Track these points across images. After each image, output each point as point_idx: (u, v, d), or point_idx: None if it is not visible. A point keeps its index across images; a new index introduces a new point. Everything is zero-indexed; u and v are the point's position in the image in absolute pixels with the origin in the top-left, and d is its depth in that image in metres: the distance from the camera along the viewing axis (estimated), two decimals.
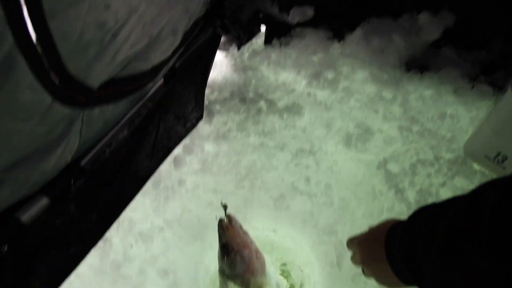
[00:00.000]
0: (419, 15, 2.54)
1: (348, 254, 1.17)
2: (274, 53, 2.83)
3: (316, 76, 2.63)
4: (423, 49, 2.58)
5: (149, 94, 1.64)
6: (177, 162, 2.27)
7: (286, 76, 2.73)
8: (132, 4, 1.10)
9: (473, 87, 2.44)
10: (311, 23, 2.79)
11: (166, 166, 2.23)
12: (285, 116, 2.48)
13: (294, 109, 2.49)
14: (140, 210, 2.13)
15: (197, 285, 1.98)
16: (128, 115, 1.54)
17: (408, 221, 0.86)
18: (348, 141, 2.32)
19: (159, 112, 1.81)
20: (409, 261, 0.81)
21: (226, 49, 2.90)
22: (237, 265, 1.63)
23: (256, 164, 2.29)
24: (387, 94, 2.51)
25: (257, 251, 1.69)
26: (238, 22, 2.14)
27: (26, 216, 1.16)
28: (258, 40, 2.92)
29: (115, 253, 2.02)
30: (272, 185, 2.21)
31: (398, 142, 2.30)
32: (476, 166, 2.16)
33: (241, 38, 2.34)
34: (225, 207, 1.72)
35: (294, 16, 2.76)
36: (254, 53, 2.87)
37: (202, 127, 2.43)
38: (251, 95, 2.62)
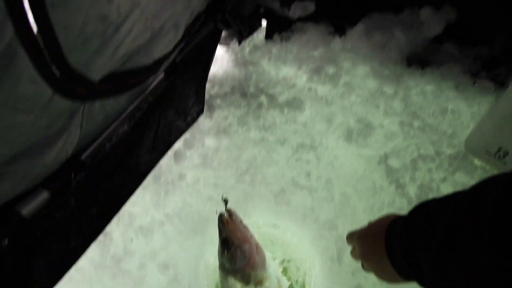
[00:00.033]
0: (421, 10, 2.53)
1: (349, 249, 1.17)
2: (275, 48, 2.83)
3: (317, 71, 2.62)
4: (424, 45, 2.57)
5: (150, 88, 1.63)
6: (177, 156, 2.27)
7: (287, 71, 2.72)
8: None
9: (474, 83, 2.43)
10: (312, 18, 2.78)
11: (166, 161, 2.23)
12: (285, 111, 2.47)
13: (295, 104, 2.48)
14: (140, 204, 2.13)
15: (197, 280, 1.98)
16: (129, 109, 1.54)
17: (408, 216, 0.86)
18: (349, 136, 2.32)
19: (159, 106, 1.81)
20: (409, 256, 0.81)
21: (227, 43, 2.90)
22: (238, 259, 1.64)
23: (257, 158, 2.28)
24: (388, 89, 2.51)
25: (257, 246, 1.69)
26: (239, 16, 2.14)
27: (27, 209, 1.16)
28: (259, 35, 2.91)
29: (115, 247, 2.02)
30: (272, 180, 2.21)
31: (399, 138, 2.30)
32: (477, 162, 2.16)
33: (242, 32, 2.33)
34: (225, 201, 1.72)
35: (295, 10, 2.75)
36: (255, 47, 2.87)
37: (203, 121, 2.43)
38: (252, 89, 2.61)
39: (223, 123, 2.44)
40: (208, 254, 2.05)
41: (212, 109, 2.50)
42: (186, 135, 2.31)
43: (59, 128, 1.12)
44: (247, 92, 2.60)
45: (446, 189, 2.08)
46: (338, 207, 2.09)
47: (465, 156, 2.18)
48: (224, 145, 2.35)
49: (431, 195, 2.06)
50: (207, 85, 2.38)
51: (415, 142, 2.27)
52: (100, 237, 1.82)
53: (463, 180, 2.10)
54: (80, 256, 1.61)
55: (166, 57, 1.50)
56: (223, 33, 2.36)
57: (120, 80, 1.27)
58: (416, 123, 2.34)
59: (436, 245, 0.72)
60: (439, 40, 2.53)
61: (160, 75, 1.67)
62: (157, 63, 1.44)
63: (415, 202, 2.00)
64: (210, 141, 2.37)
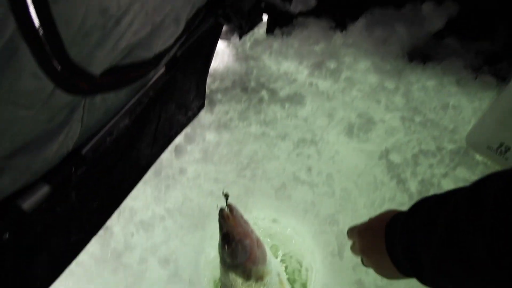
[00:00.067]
0: (423, 5, 2.52)
1: (350, 244, 1.17)
2: (276, 43, 2.82)
3: (318, 66, 2.62)
4: (426, 39, 2.57)
5: (151, 82, 1.63)
6: (178, 151, 2.27)
7: (288, 65, 2.72)
8: None
9: (476, 78, 2.43)
10: (314, 13, 2.78)
11: (167, 155, 2.23)
12: (286, 105, 2.47)
13: (296, 99, 2.48)
14: (141, 199, 2.13)
15: (198, 274, 1.98)
16: (130, 103, 1.53)
17: (408, 212, 0.86)
18: (350, 131, 2.32)
19: (160, 100, 1.81)
20: (409, 252, 0.81)
21: (227, 38, 2.89)
22: (239, 254, 1.63)
23: (258, 153, 2.28)
24: (390, 84, 2.50)
25: (258, 240, 1.69)
26: (240, 11, 2.13)
27: (27, 203, 1.16)
28: (260, 30, 2.90)
29: (116, 242, 2.02)
30: (273, 175, 2.21)
31: (400, 133, 2.30)
32: (478, 157, 2.16)
33: (243, 27, 2.32)
34: (226, 196, 1.72)
35: (297, 5, 2.74)
36: (256, 42, 2.86)
37: (204, 116, 2.43)
38: (252, 84, 2.61)
39: (224, 118, 2.44)
40: (208, 249, 2.05)
41: (213, 103, 2.49)
42: (187, 130, 2.31)
43: (60, 122, 1.11)
44: (248, 87, 2.59)
45: (447, 185, 2.08)
46: (339, 202, 2.09)
47: (466, 151, 2.18)
48: (225, 140, 2.34)
49: (432, 191, 2.06)
50: (208, 80, 2.38)
51: (416, 137, 2.27)
52: (101, 232, 1.82)
53: (464, 176, 2.10)
54: (81, 250, 1.61)
55: (167, 51, 1.49)
56: (224, 28, 2.36)
57: (121, 74, 1.27)
58: (417, 118, 2.34)
59: (436, 241, 0.71)
60: (441, 35, 2.52)
61: (161, 70, 1.67)
62: (158, 57, 1.44)
63: (416, 197, 2.01)
64: (211, 136, 2.36)
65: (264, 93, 2.54)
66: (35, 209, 1.19)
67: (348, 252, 1.86)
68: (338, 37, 2.75)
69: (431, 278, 0.78)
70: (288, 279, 1.82)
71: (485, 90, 2.39)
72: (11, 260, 1.25)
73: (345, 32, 2.74)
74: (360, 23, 2.68)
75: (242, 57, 2.79)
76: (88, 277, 1.95)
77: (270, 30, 2.87)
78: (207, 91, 2.44)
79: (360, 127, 2.32)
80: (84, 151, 1.35)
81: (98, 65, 1.09)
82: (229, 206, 1.70)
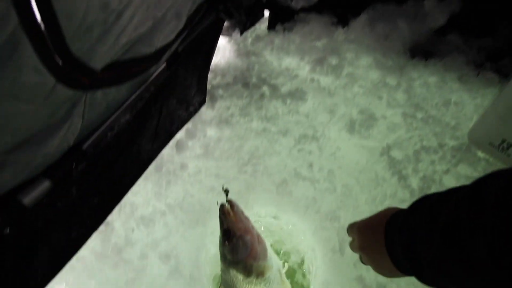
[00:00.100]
0: (425, 1, 2.52)
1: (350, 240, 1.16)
2: (278, 39, 2.82)
3: (319, 62, 2.61)
4: (428, 36, 2.56)
5: (152, 78, 1.62)
6: (179, 146, 2.27)
7: (290, 61, 2.71)
8: None
9: (478, 74, 2.43)
10: (315, 8, 2.77)
11: (168, 150, 2.23)
12: (288, 101, 2.47)
13: (297, 95, 2.47)
14: (142, 194, 2.13)
15: (198, 270, 1.98)
16: (131, 99, 1.53)
17: (409, 210, 0.85)
18: (351, 127, 2.31)
19: (161, 96, 1.80)
20: (409, 251, 0.80)
21: (229, 34, 2.89)
22: (239, 250, 1.63)
23: (259, 149, 2.28)
24: (391, 80, 2.50)
25: (258, 236, 1.68)
26: (241, 7, 2.12)
27: (28, 198, 1.16)
28: (262, 25, 2.90)
29: (116, 237, 2.02)
30: (274, 171, 2.21)
31: (402, 129, 2.30)
32: (480, 154, 2.15)
33: (244, 23, 2.32)
34: (226, 192, 1.71)
35: (298, 1, 2.74)
36: (258, 38, 2.86)
37: (205, 111, 2.42)
38: (254, 80, 2.61)
39: (225, 113, 2.44)
40: (209, 245, 2.05)
41: (214, 99, 2.49)
42: (188, 125, 2.31)
43: (61, 117, 1.11)
44: (249, 83, 2.59)
45: (448, 181, 2.07)
46: (340, 198, 2.09)
47: (468, 148, 2.17)
48: (226, 136, 2.34)
49: (433, 187, 2.05)
50: (209, 75, 2.37)
51: (418, 133, 2.27)
52: (102, 227, 1.83)
53: (466, 172, 2.10)
54: (82, 245, 1.61)
55: (168, 46, 1.49)
56: (225, 24, 2.35)
57: (122, 69, 1.26)
58: (419, 115, 2.34)
59: (436, 240, 0.71)
60: (443, 31, 2.52)
61: (162, 65, 1.67)
62: (159, 52, 1.43)
63: (417, 194, 2.01)
64: (212, 131, 2.36)
65: (265, 89, 2.54)
66: (36, 204, 1.18)
67: (349, 249, 1.86)
68: (340, 33, 2.74)
69: (430, 277, 0.77)
70: (288, 275, 1.82)
71: (487, 86, 2.39)
72: (12, 255, 1.25)
73: (346, 28, 2.74)
74: (362, 19, 2.68)
75: (243, 52, 2.78)
76: (89, 272, 1.95)
77: (271, 25, 2.87)
78: (208, 86, 2.43)
79: (361, 123, 2.32)
80: (85, 146, 1.35)
81: (99, 60, 1.08)
82: (229, 202, 1.70)
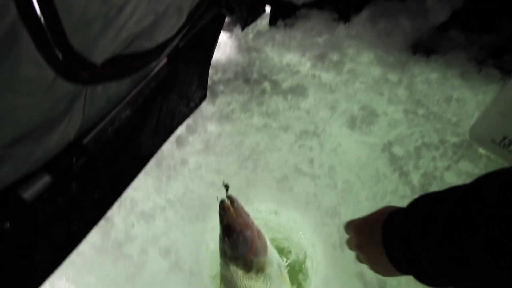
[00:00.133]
0: None
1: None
2: (279, 34, 2.81)
3: (321, 58, 2.61)
4: (430, 32, 2.55)
5: (153, 73, 1.62)
6: (180, 142, 2.26)
7: (291, 57, 2.71)
8: None
9: (480, 71, 2.42)
10: (317, 4, 2.77)
11: (168, 146, 2.22)
12: (289, 97, 2.46)
13: (298, 91, 2.47)
14: (142, 190, 2.13)
15: (198, 265, 1.98)
16: (132, 94, 1.53)
17: (407, 208, 0.84)
18: (352, 123, 2.31)
19: (162, 91, 1.80)
20: (407, 249, 0.79)
21: (230, 30, 2.88)
22: (240, 246, 1.63)
23: (260, 145, 2.28)
24: (393, 76, 2.49)
25: (258, 232, 1.68)
26: (242, 2, 2.12)
27: (28, 193, 1.16)
28: (263, 21, 2.89)
29: (116, 232, 2.02)
30: (275, 166, 2.21)
31: (403, 125, 2.29)
32: (481, 150, 2.15)
33: (246, 18, 2.32)
34: (226, 187, 1.71)
35: None
36: (259, 34, 2.85)
37: (206, 107, 2.42)
38: (255, 76, 2.60)
39: (226, 109, 2.43)
40: (209, 240, 2.05)
41: (215, 95, 2.49)
42: (189, 121, 2.31)
43: (61, 111, 1.11)
44: (250, 78, 2.58)
45: (450, 178, 2.07)
46: (341, 194, 2.09)
47: (469, 144, 2.17)
48: (226, 131, 2.34)
49: (434, 183, 2.05)
50: (210, 71, 2.37)
51: (419, 130, 2.27)
52: (102, 222, 1.83)
53: (467, 169, 2.09)
54: (82, 240, 1.61)
55: (169, 41, 1.48)
56: (227, 19, 2.35)
57: (123, 64, 1.26)
58: (420, 111, 2.33)
59: (435, 239, 0.70)
60: (445, 28, 2.51)
61: (163, 60, 1.66)
62: (160, 48, 1.43)
63: (418, 190, 2.01)
64: (212, 127, 2.36)
65: (266, 84, 2.54)
66: (36, 199, 1.18)
67: None
68: (341, 29, 2.73)
69: (429, 277, 0.77)
70: (289, 271, 1.82)
71: (489, 83, 2.38)
72: (12, 250, 1.25)
73: (348, 24, 2.73)
74: (364, 15, 2.67)
75: (244, 48, 2.78)
76: (89, 267, 1.95)
77: (272, 21, 2.86)
78: (209, 82, 2.43)
79: (362, 120, 2.31)
80: (85, 141, 1.34)
81: (100, 54, 1.08)
82: (229, 197, 1.70)
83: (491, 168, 2.03)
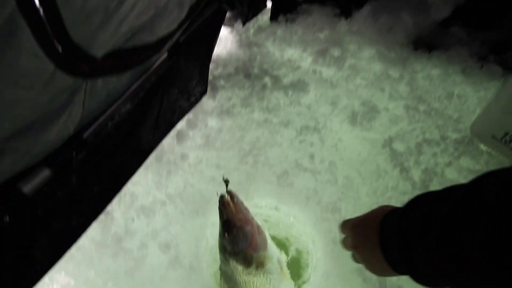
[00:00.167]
0: None
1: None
2: (280, 30, 2.81)
3: (322, 53, 2.60)
4: (431, 28, 2.55)
5: (153, 67, 1.62)
6: (180, 136, 2.26)
7: (292, 52, 2.70)
8: None
9: (482, 67, 2.42)
10: (318, 0, 2.76)
11: (169, 141, 2.22)
12: (290, 92, 2.46)
13: (299, 86, 2.47)
14: (142, 184, 2.13)
15: (198, 260, 1.98)
16: (132, 88, 1.52)
17: (405, 208, 0.83)
18: (353, 119, 2.31)
19: (163, 86, 1.80)
20: (405, 250, 0.79)
21: (231, 25, 2.88)
22: (239, 241, 1.63)
23: (260, 140, 2.27)
24: (394, 72, 2.49)
25: (258, 227, 1.68)
26: None
27: (28, 187, 1.15)
28: (264, 16, 2.89)
29: (116, 227, 2.02)
30: (275, 162, 2.20)
31: (404, 121, 2.29)
32: (482, 147, 2.15)
33: (247, 14, 2.31)
34: (226, 182, 1.71)
35: None
36: (260, 29, 2.85)
37: (206, 102, 2.42)
38: (256, 71, 2.60)
39: (226, 104, 2.43)
40: (209, 235, 2.05)
41: (215, 89, 2.48)
42: (189, 115, 2.30)
43: (61, 105, 1.10)
44: (251, 73, 2.58)
45: (451, 174, 2.07)
46: (341, 190, 2.08)
47: (470, 141, 2.17)
48: (227, 126, 2.34)
49: (435, 180, 2.05)
50: (211, 66, 2.36)
51: (420, 126, 2.26)
52: (101, 216, 1.82)
53: (468, 165, 2.09)
54: (81, 234, 1.61)
55: (170, 36, 1.48)
56: (228, 14, 2.34)
57: (123, 58, 1.25)
58: (421, 107, 2.33)
59: (435, 239, 0.70)
60: (447, 24, 2.51)
61: (164, 55, 1.66)
62: (161, 42, 1.42)
63: (419, 186, 2.01)
64: (213, 122, 2.36)
65: (267, 80, 2.53)
66: (35, 193, 1.18)
67: None
68: (343, 25, 2.73)
69: (427, 277, 0.76)
70: (289, 266, 1.82)
71: (491, 79, 2.38)
72: (11, 244, 1.25)
73: (349, 19, 2.73)
74: (365, 10, 2.67)
75: (245, 43, 2.77)
76: (88, 262, 1.95)
77: (274, 16, 2.86)
78: (210, 77, 2.43)
79: (363, 115, 2.31)
80: (85, 135, 1.34)
81: (100, 47, 1.07)
82: (229, 192, 1.70)
83: (492, 164, 2.03)
